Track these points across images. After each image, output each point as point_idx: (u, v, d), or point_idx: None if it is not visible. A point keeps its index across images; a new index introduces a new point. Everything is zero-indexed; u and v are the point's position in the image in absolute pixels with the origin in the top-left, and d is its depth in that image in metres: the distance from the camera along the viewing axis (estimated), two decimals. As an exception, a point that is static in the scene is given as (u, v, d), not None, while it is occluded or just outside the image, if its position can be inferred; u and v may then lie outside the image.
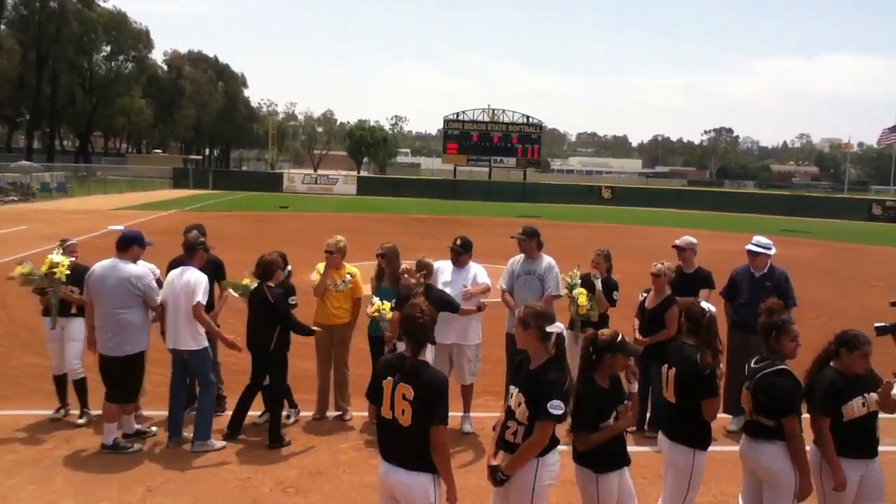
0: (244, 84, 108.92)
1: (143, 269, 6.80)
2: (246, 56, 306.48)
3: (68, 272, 7.11)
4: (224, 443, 6.90)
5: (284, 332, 7.01)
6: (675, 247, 8.18)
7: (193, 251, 7.06)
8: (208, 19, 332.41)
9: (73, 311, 7.30)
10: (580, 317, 7.39)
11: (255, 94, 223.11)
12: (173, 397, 6.94)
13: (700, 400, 4.80)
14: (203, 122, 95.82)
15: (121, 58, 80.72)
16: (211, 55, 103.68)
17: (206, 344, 6.93)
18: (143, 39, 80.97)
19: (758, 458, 4.64)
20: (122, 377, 6.65)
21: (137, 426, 7.01)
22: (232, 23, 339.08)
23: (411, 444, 4.00)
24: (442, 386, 4.07)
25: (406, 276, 7.19)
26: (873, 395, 4.71)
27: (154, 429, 7.15)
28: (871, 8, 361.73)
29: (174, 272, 6.92)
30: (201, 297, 6.67)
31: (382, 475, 4.15)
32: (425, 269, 7.21)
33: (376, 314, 7.10)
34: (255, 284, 7.04)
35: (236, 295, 7.40)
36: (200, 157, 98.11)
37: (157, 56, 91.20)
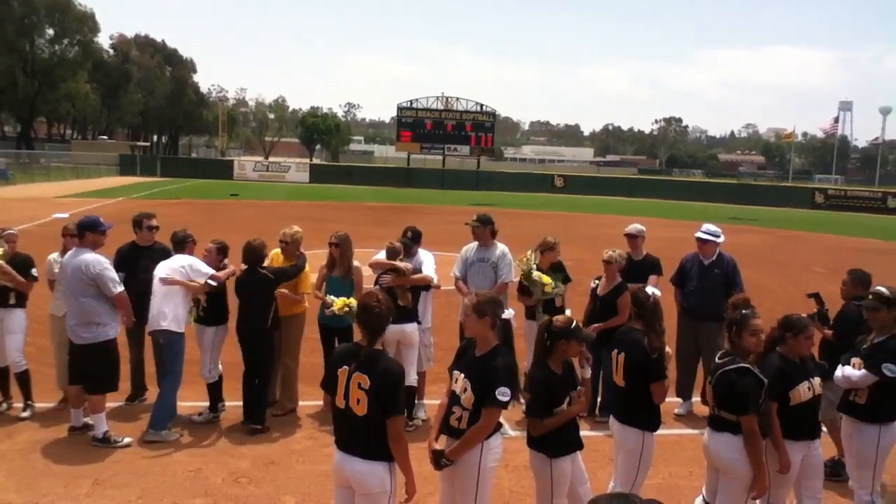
0: (193, 69, 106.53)
1: (96, 257, 6.62)
2: (195, 41, 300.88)
3: (4, 261, 6.99)
4: (179, 433, 6.81)
5: (275, 313, 7.16)
6: (627, 235, 8.29)
7: (182, 245, 7.19)
8: (156, 3, 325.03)
9: (12, 301, 7.14)
10: (545, 296, 7.42)
11: (205, 80, 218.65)
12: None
13: (649, 383, 4.87)
14: (151, 108, 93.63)
15: (65, 41, 78.29)
16: (159, 39, 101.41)
17: (182, 330, 6.91)
18: (88, 23, 78.62)
19: (718, 448, 4.69)
20: (90, 366, 6.53)
21: (85, 419, 6.85)
22: (181, 7, 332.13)
23: (366, 433, 3.99)
24: (399, 375, 4.07)
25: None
26: (817, 380, 4.85)
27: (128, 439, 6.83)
28: (817, 3, 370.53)
29: (162, 263, 7.02)
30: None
31: (337, 464, 4.14)
32: (400, 253, 7.23)
33: (346, 309, 6.83)
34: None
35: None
36: (148, 144, 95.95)
37: (103, 40, 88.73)
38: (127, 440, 6.59)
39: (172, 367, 6.89)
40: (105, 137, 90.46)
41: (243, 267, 7.24)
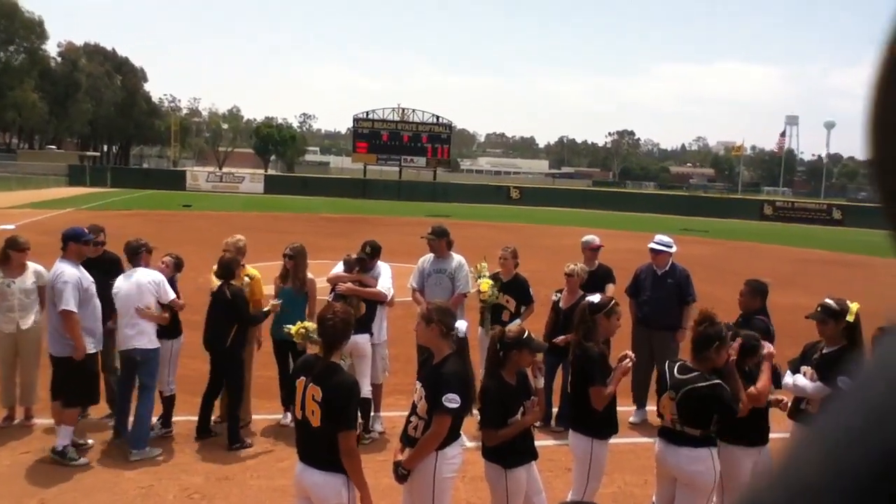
0: (144, 78, 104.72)
1: (65, 269, 6.44)
2: (147, 49, 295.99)
3: None
4: (159, 450, 6.68)
5: (241, 331, 7.00)
6: (588, 248, 8.38)
7: (136, 255, 6.92)
8: (106, 10, 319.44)
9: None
10: (483, 303, 7.49)
11: (157, 89, 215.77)
12: (121, 400, 6.86)
13: (588, 387, 4.92)
14: (100, 118, 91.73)
15: (11, 48, 76.48)
16: (109, 48, 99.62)
17: (158, 345, 6.79)
18: (35, 30, 76.93)
19: (679, 461, 4.68)
20: (65, 378, 6.39)
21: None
22: (133, 15, 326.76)
23: (322, 444, 3.99)
24: (350, 390, 4.08)
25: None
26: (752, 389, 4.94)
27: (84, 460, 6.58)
28: (764, 21, 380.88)
29: (122, 276, 6.85)
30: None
31: (297, 475, 4.15)
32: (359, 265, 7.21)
33: (302, 332, 6.25)
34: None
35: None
36: (98, 154, 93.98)
37: (51, 48, 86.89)
38: (83, 460, 6.42)
39: (149, 382, 6.78)
40: (53, 147, 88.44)
41: (216, 281, 7.14)
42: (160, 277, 6.89)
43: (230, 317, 6.96)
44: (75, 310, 6.36)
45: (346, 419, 3.98)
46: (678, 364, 4.81)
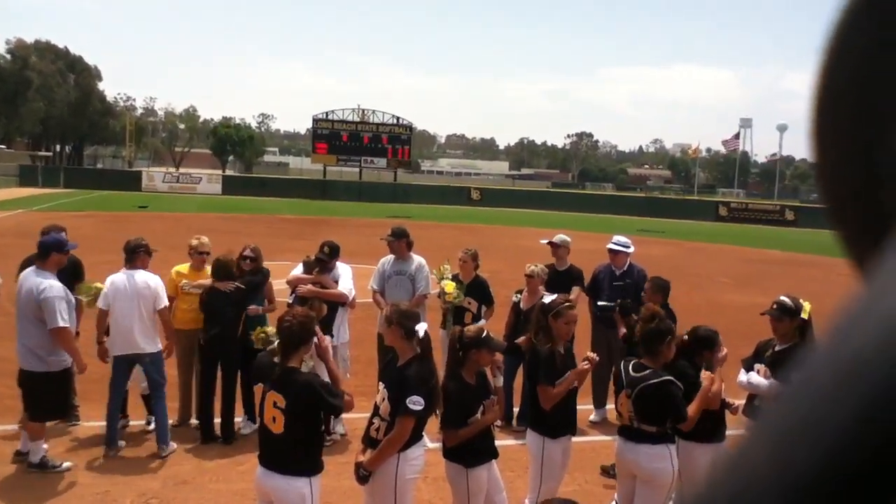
0: (98, 77, 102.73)
1: (43, 283, 6.10)
2: (102, 48, 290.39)
3: None
4: (174, 445, 6.77)
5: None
6: (549, 243, 8.44)
7: (135, 255, 6.78)
8: (59, 9, 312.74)
9: None
10: (447, 304, 7.50)
11: (112, 88, 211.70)
12: (112, 405, 6.68)
13: (536, 385, 4.97)
14: (52, 117, 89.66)
15: (-43, 46, 74.44)
16: (61, 45, 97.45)
17: (161, 346, 6.82)
18: (-17, 27, 74.99)
19: (638, 459, 4.76)
20: (37, 393, 6.13)
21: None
22: (86, 13, 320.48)
23: (285, 450, 3.97)
24: (316, 386, 4.06)
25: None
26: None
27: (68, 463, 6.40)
28: (718, 24, 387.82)
29: (120, 276, 6.66)
30: (166, 302, 6.83)
31: (259, 479, 4.11)
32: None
33: (262, 337, 6.18)
34: (103, 288, 6.68)
35: (83, 300, 6.88)
36: (50, 154, 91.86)
37: None
38: (67, 464, 6.28)
39: (162, 380, 6.82)
40: (3, 147, 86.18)
41: (211, 281, 7.12)
42: (156, 281, 6.81)
43: (239, 310, 7.12)
44: (69, 325, 6.18)
45: (330, 408, 4.04)
46: (633, 363, 4.89)
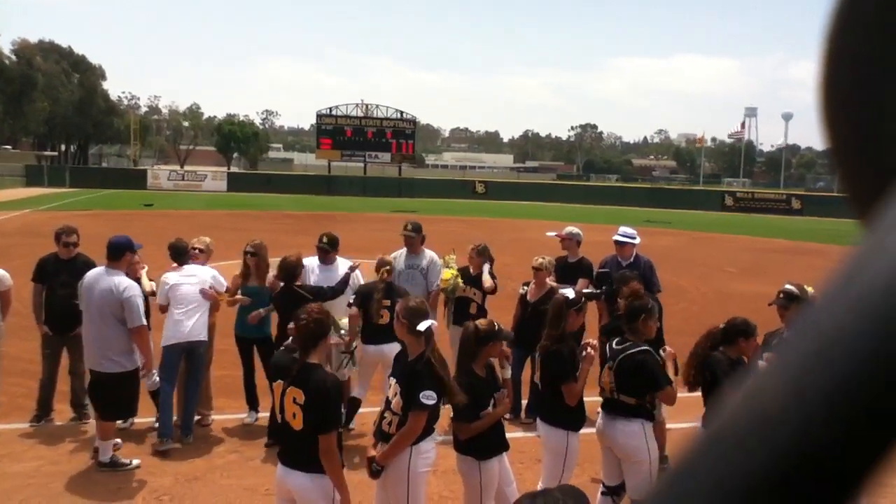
0: (103, 76, 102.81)
1: (123, 284, 6.18)
2: (105, 47, 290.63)
3: None
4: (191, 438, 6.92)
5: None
6: (558, 236, 8.44)
7: (184, 256, 7.11)
8: (63, 8, 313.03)
9: None
10: (443, 291, 7.53)
11: (116, 87, 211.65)
12: (166, 396, 6.75)
13: (560, 385, 4.98)
14: (57, 116, 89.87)
15: (-39, 47, 74.57)
16: (65, 45, 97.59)
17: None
18: (-14, 27, 75.11)
19: (615, 436, 4.90)
20: (109, 393, 6.21)
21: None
22: (89, 13, 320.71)
23: (306, 447, 3.95)
24: (330, 390, 4.05)
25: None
26: None
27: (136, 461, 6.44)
28: (721, 14, 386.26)
29: (172, 274, 6.92)
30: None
31: (280, 478, 4.10)
32: (387, 266, 7.15)
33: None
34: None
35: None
36: (56, 154, 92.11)
37: (4, 45, 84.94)
38: (136, 462, 6.34)
39: (201, 373, 6.99)
40: (9, 147, 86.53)
41: (280, 283, 7.10)
42: (214, 272, 7.15)
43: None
44: (146, 323, 6.36)
45: (325, 421, 3.96)
46: (616, 338, 5.09)
